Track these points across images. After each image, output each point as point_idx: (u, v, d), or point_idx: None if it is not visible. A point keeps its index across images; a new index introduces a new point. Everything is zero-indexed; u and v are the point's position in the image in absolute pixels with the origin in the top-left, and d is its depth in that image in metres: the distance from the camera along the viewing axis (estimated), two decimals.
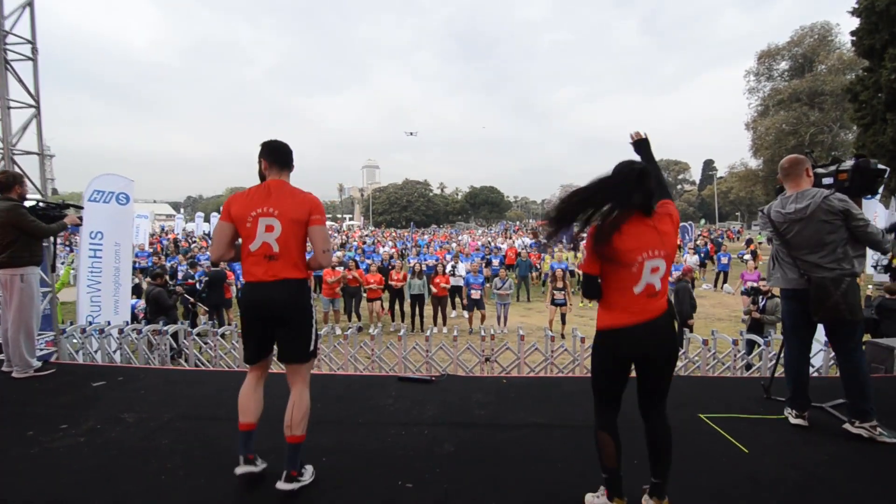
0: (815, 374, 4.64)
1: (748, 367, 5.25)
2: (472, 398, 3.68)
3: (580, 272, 2.73)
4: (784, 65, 37.83)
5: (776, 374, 3.65)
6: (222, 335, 6.05)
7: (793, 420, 3.14)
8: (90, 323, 6.58)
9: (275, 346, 2.52)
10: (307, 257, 2.46)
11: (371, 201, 76.33)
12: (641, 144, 2.40)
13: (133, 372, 4.49)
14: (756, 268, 10.36)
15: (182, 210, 73.54)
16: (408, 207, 73.44)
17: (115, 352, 6.07)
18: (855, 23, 17.23)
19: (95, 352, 6.11)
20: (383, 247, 20.60)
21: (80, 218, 4.51)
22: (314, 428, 2.55)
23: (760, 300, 7.08)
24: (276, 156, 2.46)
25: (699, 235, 25.77)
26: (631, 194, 1.92)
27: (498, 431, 3.12)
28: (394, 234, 37.17)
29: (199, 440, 3.01)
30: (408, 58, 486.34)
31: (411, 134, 78.39)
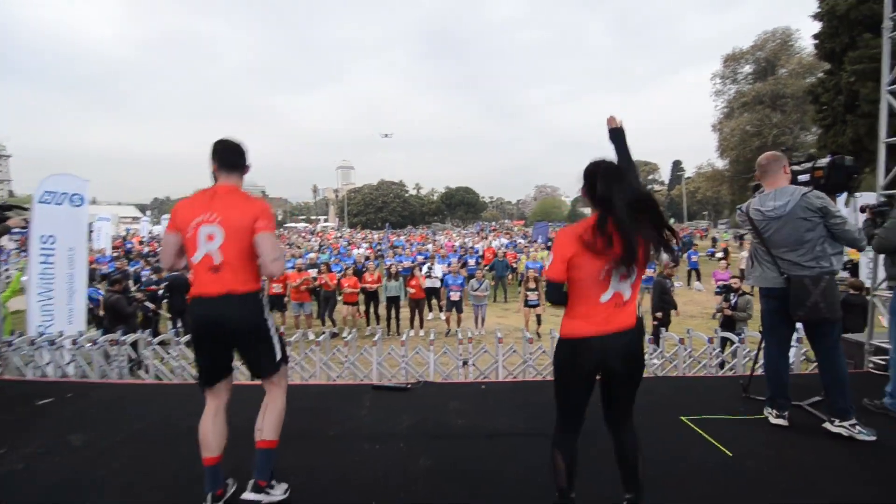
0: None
1: (721, 364, 5.28)
2: (449, 406, 3.53)
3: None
4: (748, 68, 39.08)
5: (754, 373, 3.63)
6: (186, 343, 5.73)
7: (773, 420, 3.11)
8: (41, 334, 6.16)
9: (234, 368, 2.35)
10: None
11: (346, 202, 75.41)
12: (618, 134, 2.24)
13: (84, 387, 4.18)
14: (728, 266, 10.56)
15: (148, 212, 70.98)
16: (383, 208, 72.82)
17: (68, 364, 5.67)
18: (816, 27, 17.95)
19: (47, 365, 5.71)
20: (357, 248, 20.26)
21: (26, 220, 4.16)
22: (281, 445, 2.36)
23: (732, 297, 7.18)
24: (225, 156, 2.27)
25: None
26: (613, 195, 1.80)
27: (477, 442, 2.98)
28: (368, 235, 36.72)
29: (155, 464, 2.76)
30: (381, 56, 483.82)
31: (386, 136, 77.56)
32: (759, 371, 3.65)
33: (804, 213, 2.77)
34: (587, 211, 1.97)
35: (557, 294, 1.91)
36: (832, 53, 17.11)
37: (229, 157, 2.28)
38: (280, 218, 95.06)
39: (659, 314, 7.97)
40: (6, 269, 9.50)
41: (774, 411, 3.12)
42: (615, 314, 1.83)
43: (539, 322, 9.50)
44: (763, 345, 3.27)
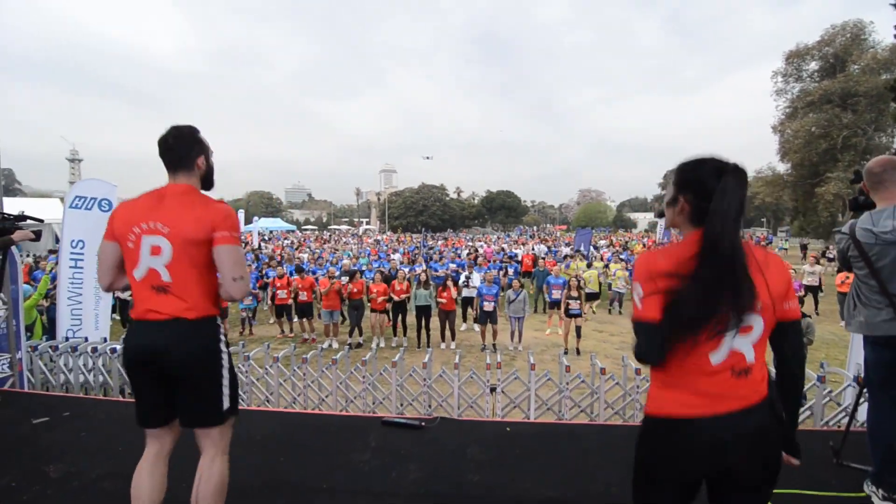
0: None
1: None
2: (467, 453, 3.02)
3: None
4: (814, 65, 36.20)
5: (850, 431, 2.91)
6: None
7: (878, 502, 2.41)
8: (67, 338, 6.15)
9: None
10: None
11: (387, 206, 76.16)
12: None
13: (85, 405, 3.97)
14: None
15: None
16: (424, 212, 72.96)
17: (90, 372, 5.60)
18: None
19: (69, 371, 5.66)
20: (395, 253, 20.04)
21: (37, 233, 3.99)
22: (263, 494, 1.93)
23: None
24: (168, 152, 1.85)
25: None
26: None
27: None
28: (407, 238, 36.61)
29: None
30: (425, 61, 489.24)
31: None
32: (857, 426, 2.93)
33: None
34: (644, 218, 1.39)
35: (653, 343, 1.26)
36: None
37: (173, 152, 1.85)
38: (325, 220, 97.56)
39: None
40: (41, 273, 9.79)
41: (881, 491, 2.41)
42: (735, 384, 1.25)
43: (579, 335, 8.79)
44: (867, 402, 2.57)
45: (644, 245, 26.51)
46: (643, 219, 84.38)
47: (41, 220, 5.93)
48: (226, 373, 1.83)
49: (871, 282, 2.31)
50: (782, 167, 39.47)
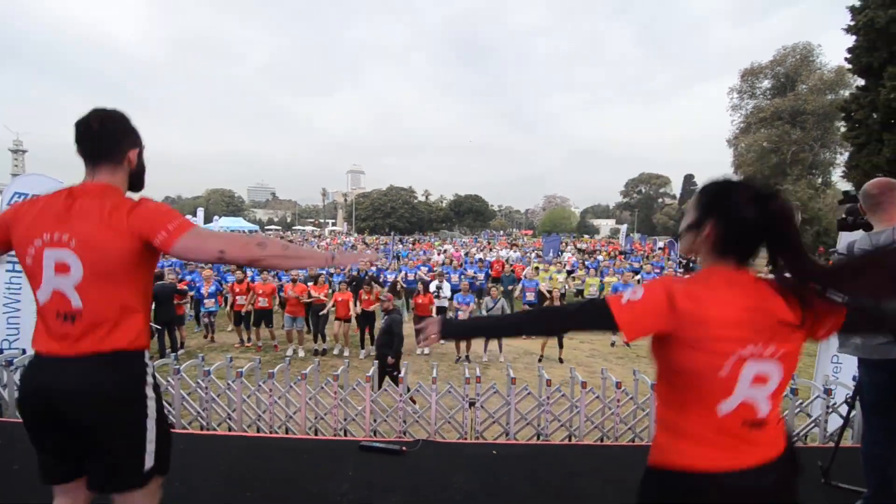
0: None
1: None
2: (451, 482, 2.84)
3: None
4: (767, 83, 38.26)
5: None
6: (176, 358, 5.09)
7: None
8: (1, 351, 5.56)
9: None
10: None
11: (355, 207, 75.11)
12: None
13: (20, 430, 3.53)
14: None
15: None
16: (391, 214, 72.39)
17: None
18: (847, 41, 17.19)
19: (3, 387, 5.10)
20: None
21: None
22: None
23: None
24: (89, 140, 1.46)
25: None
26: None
27: None
28: (375, 242, 36.08)
29: None
30: (401, 60, 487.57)
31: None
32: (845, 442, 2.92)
33: None
34: (606, 224, 1.25)
35: (592, 327, 1.23)
36: (869, 68, 16.27)
37: (97, 138, 1.46)
38: (289, 220, 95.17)
39: None
40: None
41: None
42: (749, 437, 1.13)
43: (561, 345, 8.73)
44: (860, 424, 2.56)
45: (608, 253, 27.03)
46: (605, 225, 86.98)
47: None
48: (151, 423, 1.45)
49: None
50: (736, 179, 41.38)
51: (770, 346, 1.09)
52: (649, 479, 1.22)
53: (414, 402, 4.67)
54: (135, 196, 1.51)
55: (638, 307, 1.11)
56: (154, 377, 1.50)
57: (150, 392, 1.46)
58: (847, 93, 26.55)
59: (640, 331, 1.11)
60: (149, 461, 1.44)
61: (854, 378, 2.94)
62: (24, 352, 5.49)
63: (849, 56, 17.29)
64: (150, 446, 1.45)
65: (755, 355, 1.09)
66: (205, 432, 3.87)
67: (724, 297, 1.10)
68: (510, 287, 13.17)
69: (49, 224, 1.38)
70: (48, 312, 1.41)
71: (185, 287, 9.32)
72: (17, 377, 5.03)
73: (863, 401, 2.48)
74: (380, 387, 5.00)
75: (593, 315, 1.20)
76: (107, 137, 1.46)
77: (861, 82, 17.82)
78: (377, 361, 6.19)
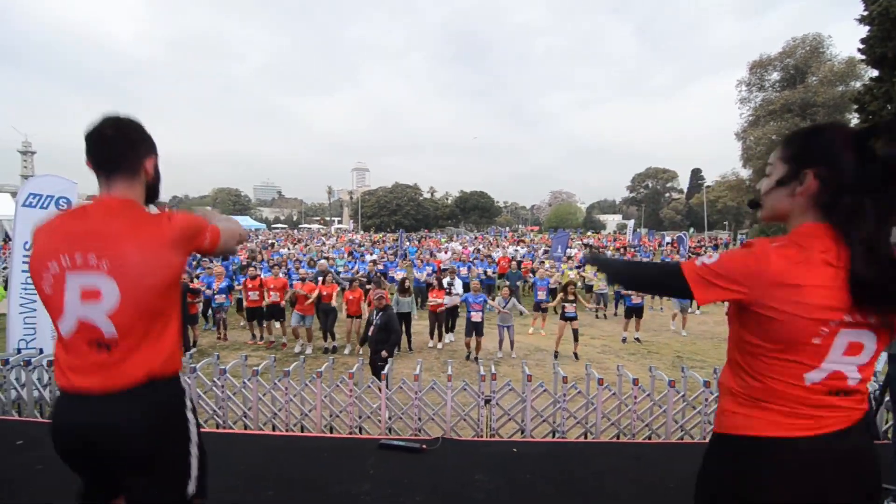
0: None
1: None
2: (472, 480, 2.83)
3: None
4: (776, 75, 37.76)
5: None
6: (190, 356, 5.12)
7: None
8: (19, 351, 5.61)
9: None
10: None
11: (360, 204, 75.22)
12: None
13: (42, 430, 3.55)
14: None
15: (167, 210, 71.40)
16: (397, 211, 72.41)
17: (45, 388, 5.11)
18: (859, 31, 16.88)
19: (22, 388, 5.15)
20: (371, 255, 19.60)
21: None
22: None
23: None
24: (104, 150, 1.34)
25: (700, 244, 25.31)
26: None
27: None
28: (382, 238, 36.10)
29: None
30: (401, 60, 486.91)
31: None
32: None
33: None
34: (613, 220, 1.21)
35: (671, 291, 1.36)
36: (883, 59, 15.90)
37: (113, 147, 1.33)
38: (295, 218, 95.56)
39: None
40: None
41: None
42: (832, 405, 1.08)
43: (576, 339, 8.65)
44: (889, 420, 2.52)
45: (616, 248, 26.87)
46: (612, 221, 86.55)
47: None
48: (194, 450, 1.38)
49: None
50: (745, 173, 41.01)
51: (869, 315, 1.03)
52: (722, 445, 1.17)
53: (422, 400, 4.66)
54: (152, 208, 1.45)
55: (713, 270, 1.07)
56: (191, 399, 1.45)
57: (190, 416, 1.41)
58: (859, 84, 26.16)
59: (713, 295, 1.08)
60: (191, 488, 1.40)
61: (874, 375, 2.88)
62: (41, 351, 5.54)
63: (862, 46, 16.96)
64: (194, 472, 1.40)
65: (850, 324, 1.03)
66: (222, 430, 3.88)
67: (822, 261, 1.03)
68: (517, 283, 13.17)
69: (67, 245, 1.25)
70: (76, 344, 1.27)
71: (199, 287, 9.36)
72: (35, 376, 5.09)
73: (893, 396, 2.44)
74: (381, 381, 4.98)
75: (668, 274, 1.18)
76: (122, 145, 1.35)
77: (874, 73, 17.50)
78: (370, 356, 6.25)
